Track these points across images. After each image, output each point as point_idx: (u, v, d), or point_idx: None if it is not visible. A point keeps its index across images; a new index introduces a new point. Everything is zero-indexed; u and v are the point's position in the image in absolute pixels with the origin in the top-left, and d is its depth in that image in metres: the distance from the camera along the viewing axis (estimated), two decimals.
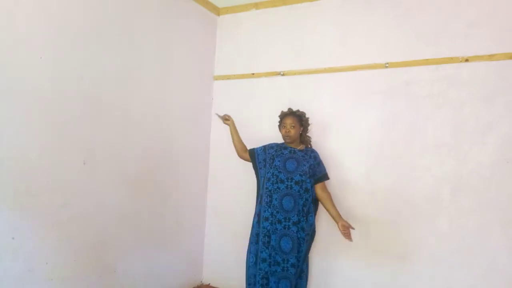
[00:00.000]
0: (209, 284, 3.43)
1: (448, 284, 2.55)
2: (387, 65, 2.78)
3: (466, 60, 2.54)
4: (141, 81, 2.72)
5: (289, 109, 2.69)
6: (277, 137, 2.80)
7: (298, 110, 2.67)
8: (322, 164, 2.69)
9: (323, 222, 2.95)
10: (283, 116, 2.66)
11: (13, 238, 1.93)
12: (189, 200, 3.29)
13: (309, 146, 2.75)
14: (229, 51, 3.49)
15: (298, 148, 2.66)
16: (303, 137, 2.71)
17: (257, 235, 2.60)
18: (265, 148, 2.74)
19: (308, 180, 2.57)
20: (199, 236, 3.45)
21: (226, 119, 2.79)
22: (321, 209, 2.80)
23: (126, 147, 2.61)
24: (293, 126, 2.59)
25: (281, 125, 2.65)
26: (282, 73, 3.19)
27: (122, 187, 2.58)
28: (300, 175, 2.55)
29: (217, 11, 3.52)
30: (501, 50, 2.45)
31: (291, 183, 2.54)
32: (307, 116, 2.70)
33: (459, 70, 2.57)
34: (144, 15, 2.74)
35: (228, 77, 3.46)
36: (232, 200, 3.34)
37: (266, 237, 2.54)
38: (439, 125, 2.61)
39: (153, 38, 2.83)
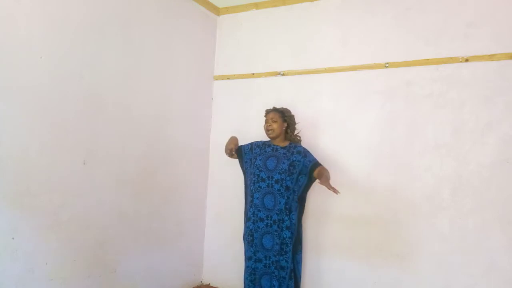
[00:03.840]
0: (209, 284, 3.43)
1: (448, 284, 2.54)
2: (387, 65, 2.78)
3: (466, 60, 2.54)
4: (141, 81, 2.72)
5: (273, 107, 2.72)
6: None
7: (282, 107, 2.69)
8: (310, 154, 2.63)
9: (323, 223, 2.96)
10: (266, 113, 2.69)
11: (13, 238, 1.93)
12: (189, 200, 3.29)
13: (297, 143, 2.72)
14: (229, 51, 3.49)
15: (282, 145, 2.65)
16: (289, 135, 2.69)
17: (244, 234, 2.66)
18: (251, 147, 2.74)
19: (288, 178, 2.53)
20: (199, 236, 3.44)
21: (231, 151, 2.69)
22: (315, 212, 2.79)
23: (126, 147, 2.61)
24: (275, 121, 2.60)
25: (265, 121, 2.67)
26: (282, 73, 3.19)
27: (122, 187, 2.58)
28: (280, 173, 2.53)
29: (217, 11, 3.52)
30: (501, 50, 2.45)
31: (272, 181, 2.54)
32: (292, 113, 2.71)
33: (459, 70, 2.57)
34: (144, 15, 2.74)
35: (228, 77, 3.46)
36: (232, 200, 3.33)
37: (250, 236, 2.58)
38: (439, 125, 2.61)
39: (153, 38, 2.83)
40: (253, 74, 3.33)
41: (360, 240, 2.82)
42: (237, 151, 2.76)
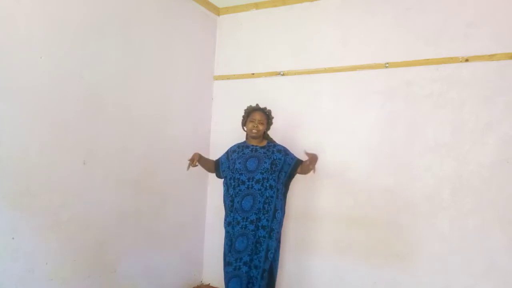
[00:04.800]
0: (209, 284, 3.43)
1: (448, 284, 2.55)
2: (387, 65, 2.78)
3: (466, 60, 2.54)
4: (141, 81, 2.72)
5: (257, 105, 2.65)
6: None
7: (265, 108, 2.63)
8: (290, 152, 2.62)
9: (323, 223, 2.96)
10: (252, 110, 2.60)
11: (13, 238, 1.93)
12: (189, 200, 3.29)
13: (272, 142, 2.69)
14: (229, 51, 3.49)
15: (261, 144, 2.61)
16: (266, 135, 2.68)
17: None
18: (228, 155, 2.69)
19: (271, 177, 2.50)
20: (199, 236, 3.45)
21: (193, 161, 2.54)
22: (315, 212, 2.78)
23: (126, 147, 2.61)
24: (262, 123, 2.55)
25: (249, 119, 2.58)
26: (282, 73, 3.19)
27: (122, 187, 2.58)
28: (261, 173, 2.49)
29: (217, 11, 3.52)
30: (501, 50, 2.45)
31: (252, 182, 2.49)
32: (272, 115, 2.68)
33: (459, 70, 2.57)
34: (144, 15, 2.74)
35: (228, 77, 3.46)
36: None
37: (230, 241, 2.53)
38: (439, 125, 2.61)
39: (153, 38, 2.83)
40: (253, 74, 3.33)
41: (360, 240, 2.82)
42: (216, 165, 2.73)
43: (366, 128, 2.85)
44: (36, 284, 2.05)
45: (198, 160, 2.56)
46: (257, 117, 2.56)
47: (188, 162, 2.52)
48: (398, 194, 2.72)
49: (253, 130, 2.55)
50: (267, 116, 2.61)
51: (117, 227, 2.56)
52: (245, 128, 2.66)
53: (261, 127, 2.55)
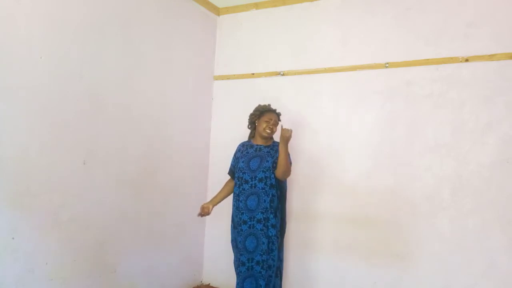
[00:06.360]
0: (209, 284, 3.43)
1: (448, 284, 2.55)
2: (387, 65, 2.78)
3: (466, 60, 2.54)
4: (141, 81, 2.72)
5: (269, 105, 2.63)
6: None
7: (276, 110, 2.62)
8: (289, 157, 2.57)
9: (323, 223, 2.96)
10: (268, 110, 2.58)
11: (13, 238, 1.93)
12: (189, 200, 3.28)
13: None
14: (229, 51, 3.49)
15: (266, 144, 2.59)
16: None
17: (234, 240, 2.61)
18: (236, 157, 2.68)
19: (272, 176, 2.49)
20: (199, 236, 3.45)
21: (206, 211, 2.64)
22: (315, 212, 2.77)
23: (126, 147, 2.61)
24: (275, 125, 2.55)
25: (263, 119, 2.55)
26: (282, 73, 3.19)
27: (122, 187, 2.58)
28: (263, 171, 2.48)
29: (217, 11, 3.52)
30: (501, 50, 2.45)
31: (255, 181, 2.49)
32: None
33: (459, 70, 2.57)
34: (144, 15, 2.74)
35: (228, 77, 3.46)
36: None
37: (234, 241, 2.56)
38: (439, 125, 2.61)
39: (153, 38, 2.83)
40: (253, 74, 3.33)
41: (360, 240, 2.82)
42: (231, 175, 2.71)
43: (366, 128, 2.85)
44: (36, 284, 2.05)
45: (213, 206, 2.67)
46: (274, 117, 2.55)
47: (200, 214, 2.62)
48: (398, 194, 2.72)
49: (267, 130, 2.52)
50: (278, 119, 2.61)
51: (117, 227, 2.56)
52: (251, 126, 2.64)
53: (274, 130, 2.55)
